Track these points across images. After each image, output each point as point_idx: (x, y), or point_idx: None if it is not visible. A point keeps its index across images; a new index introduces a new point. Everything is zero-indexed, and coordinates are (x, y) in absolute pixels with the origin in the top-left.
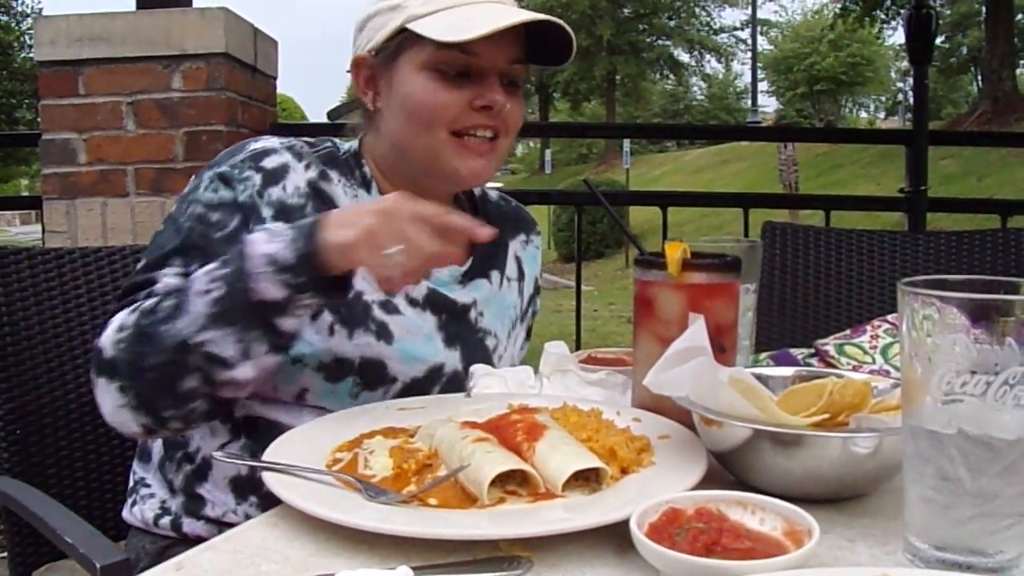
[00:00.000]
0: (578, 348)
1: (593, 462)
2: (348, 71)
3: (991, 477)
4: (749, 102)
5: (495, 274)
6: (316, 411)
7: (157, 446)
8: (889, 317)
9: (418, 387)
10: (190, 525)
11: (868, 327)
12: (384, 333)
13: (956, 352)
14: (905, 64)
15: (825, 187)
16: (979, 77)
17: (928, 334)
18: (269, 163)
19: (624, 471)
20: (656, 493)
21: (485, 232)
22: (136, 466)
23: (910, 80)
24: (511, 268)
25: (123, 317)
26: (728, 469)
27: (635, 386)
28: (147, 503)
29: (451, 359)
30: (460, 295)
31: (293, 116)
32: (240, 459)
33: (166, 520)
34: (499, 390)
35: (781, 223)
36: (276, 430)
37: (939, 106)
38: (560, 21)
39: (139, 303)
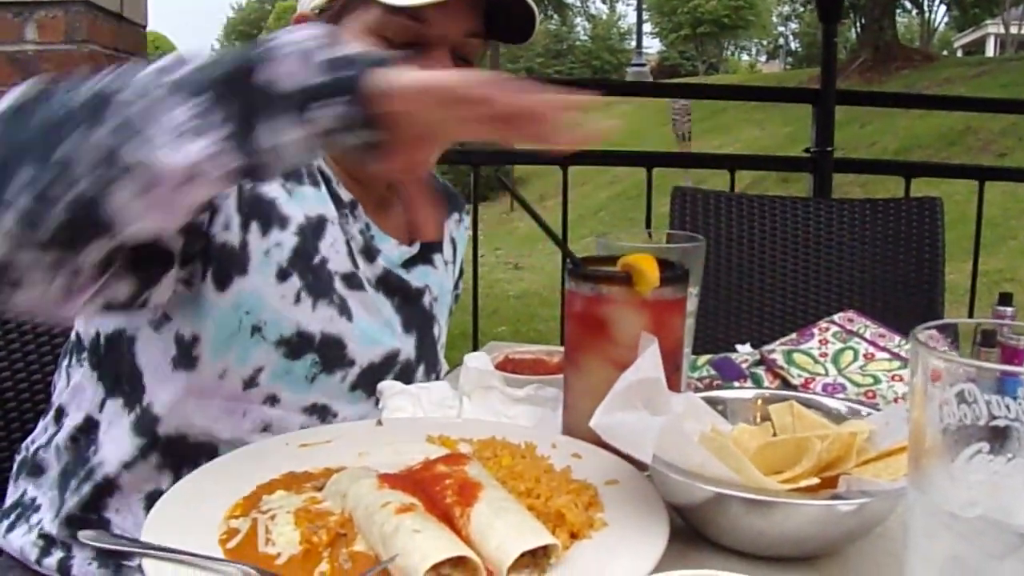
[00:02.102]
0: (476, 298)
1: (542, 537)
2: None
3: (1015, 563)
4: (632, 43)
5: (438, 258)
6: (260, 414)
7: (54, 458)
8: (836, 318)
9: (374, 373)
10: (83, 566)
11: (815, 330)
12: (345, 309)
13: (981, 423)
14: (786, 9)
15: (710, 131)
16: (858, 24)
17: (947, 399)
18: None
19: (573, 535)
20: (618, 572)
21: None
22: (23, 483)
23: (791, 24)
24: (447, 250)
25: None
26: (687, 521)
27: (570, 414)
28: (32, 530)
29: (407, 346)
30: (411, 278)
31: None
32: (111, 542)
33: (52, 560)
34: (411, 411)
35: (691, 188)
36: (203, 446)
37: (818, 51)
38: None
39: None
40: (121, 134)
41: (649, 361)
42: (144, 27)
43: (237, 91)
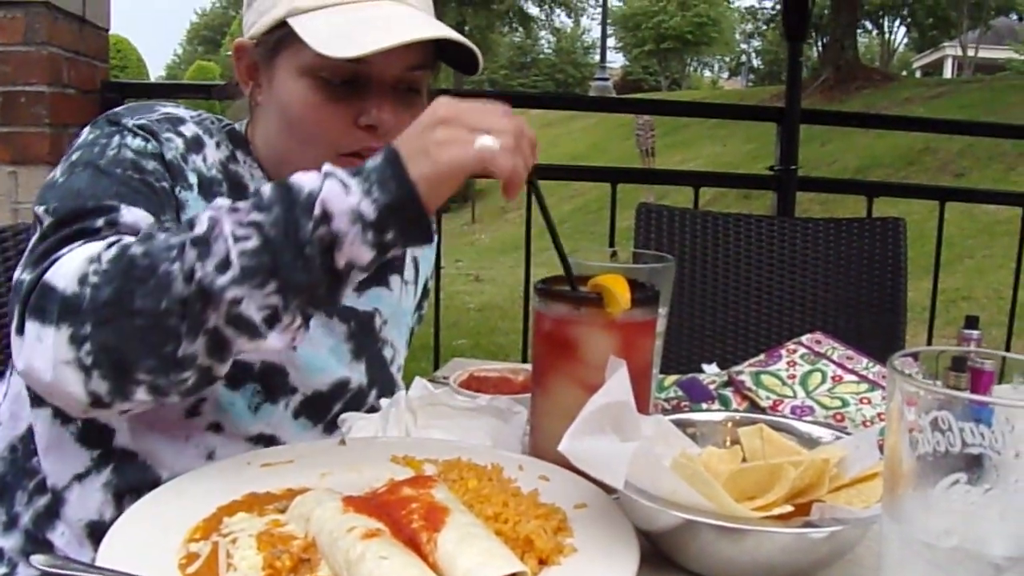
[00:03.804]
0: (437, 310)
1: (510, 564)
2: (228, 54)
3: None
4: (596, 57)
5: (395, 279)
6: (203, 440)
7: None
8: (803, 339)
9: (321, 402)
10: None
11: (783, 351)
12: None
13: (955, 450)
14: (749, 27)
15: (672, 146)
16: (819, 44)
17: (922, 426)
18: (186, 131)
19: (542, 562)
20: None
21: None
22: None
23: (753, 42)
24: (408, 271)
25: (90, 250)
26: (657, 547)
27: (538, 435)
28: None
29: (357, 373)
30: (360, 303)
31: (129, 59)
32: (63, 566)
33: None
34: (374, 431)
35: (655, 205)
36: (149, 471)
37: (779, 69)
38: (463, 39)
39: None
40: (230, 328)
41: (618, 384)
42: (107, 30)
43: (312, 274)
